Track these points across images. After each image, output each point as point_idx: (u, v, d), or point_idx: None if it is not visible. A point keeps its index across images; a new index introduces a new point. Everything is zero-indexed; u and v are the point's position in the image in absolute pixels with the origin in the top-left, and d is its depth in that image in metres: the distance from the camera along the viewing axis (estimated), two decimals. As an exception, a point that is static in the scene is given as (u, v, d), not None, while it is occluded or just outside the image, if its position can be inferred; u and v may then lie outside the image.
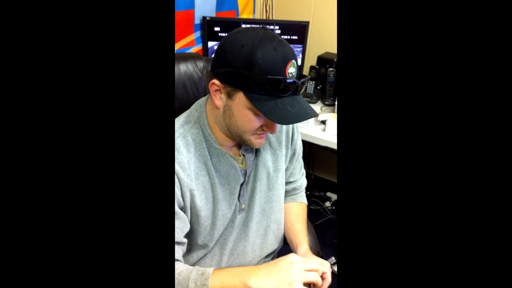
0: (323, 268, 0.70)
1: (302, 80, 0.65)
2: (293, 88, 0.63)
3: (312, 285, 0.68)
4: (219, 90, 0.66)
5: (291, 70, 0.63)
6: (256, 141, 0.71)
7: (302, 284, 0.63)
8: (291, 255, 0.67)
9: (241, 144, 0.76)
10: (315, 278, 0.65)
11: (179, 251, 0.72)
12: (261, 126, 0.68)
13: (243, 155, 0.77)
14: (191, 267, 0.68)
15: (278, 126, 0.82)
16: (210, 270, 0.67)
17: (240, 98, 0.64)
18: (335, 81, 1.67)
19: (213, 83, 0.66)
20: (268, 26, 1.61)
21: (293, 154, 0.87)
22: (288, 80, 0.62)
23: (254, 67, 0.60)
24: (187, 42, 1.57)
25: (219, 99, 0.67)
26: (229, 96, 0.65)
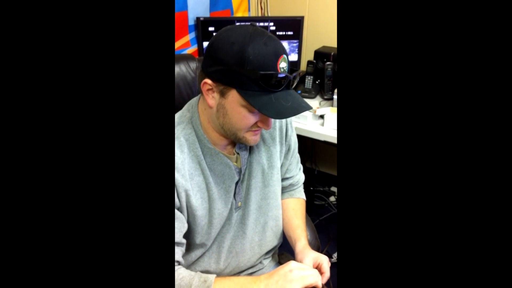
0: (323, 272, 0.72)
1: (294, 74, 0.66)
2: (286, 83, 0.64)
3: None
4: (211, 89, 0.66)
5: (283, 64, 0.63)
6: (251, 138, 0.71)
7: None
8: (290, 262, 0.67)
9: (235, 142, 0.76)
10: (314, 280, 0.65)
11: (178, 252, 0.72)
12: (255, 123, 0.68)
13: (237, 153, 0.78)
14: (193, 273, 0.69)
15: (271, 122, 0.82)
16: (212, 277, 0.67)
17: (233, 96, 0.64)
18: (333, 74, 1.66)
19: (205, 83, 0.66)
20: (262, 23, 1.62)
21: (288, 150, 0.87)
22: (280, 75, 0.62)
23: (246, 64, 0.61)
24: (182, 43, 1.58)
25: (212, 98, 0.67)
26: (222, 94, 0.65)
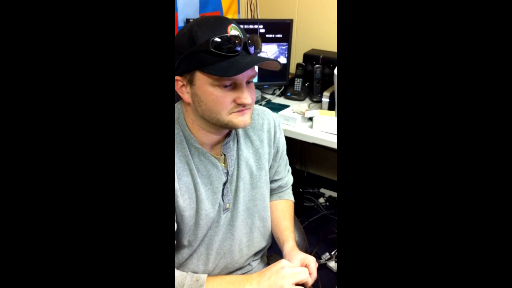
0: (312, 271, 0.73)
1: (248, 35, 0.67)
2: (242, 46, 0.65)
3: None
4: (183, 85, 0.68)
5: (234, 32, 0.65)
6: (237, 119, 0.68)
7: (293, 286, 0.66)
8: (281, 261, 0.70)
9: (223, 139, 0.76)
10: (304, 276, 0.68)
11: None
12: (233, 101, 0.67)
13: (224, 155, 0.78)
14: (184, 273, 0.70)
15: (259, 124, 0.82)
16: (204, 276, 0.68)
17: (199, 79, 0.65)
18: (322, 77, 1.68)
19: (176, 80, 0.68)
20: (252, 25, 1.62)
21: (277, 152, 0.88)
22: (231, 34, 0.64)
23: (196, 39, 0.64)
24: (171, 45, 1.57)
25: (187, 94, 0.69)
26: (191, 83, 0.67)
